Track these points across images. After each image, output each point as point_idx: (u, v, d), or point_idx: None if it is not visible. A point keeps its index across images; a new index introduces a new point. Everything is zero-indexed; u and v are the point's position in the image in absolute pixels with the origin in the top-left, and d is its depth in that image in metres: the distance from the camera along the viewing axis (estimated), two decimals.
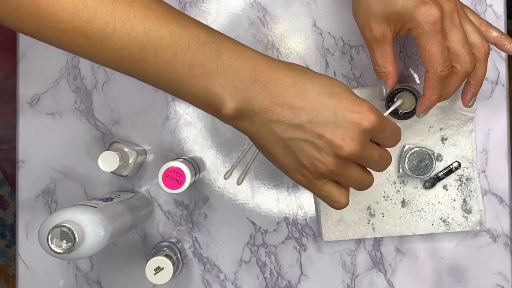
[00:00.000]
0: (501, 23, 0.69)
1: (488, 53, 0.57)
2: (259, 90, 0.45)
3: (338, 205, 0.50)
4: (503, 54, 0.70)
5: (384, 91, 0.59)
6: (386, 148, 0.52)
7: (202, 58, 0.44)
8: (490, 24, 0.60)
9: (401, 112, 0.63)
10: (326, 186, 0.49)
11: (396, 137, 0.51)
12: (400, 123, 0.67)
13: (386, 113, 0.59)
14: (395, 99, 0.61)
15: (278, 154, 0.48)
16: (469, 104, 0.61)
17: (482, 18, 0.61)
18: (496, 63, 0.70)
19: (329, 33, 0.69)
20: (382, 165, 0.51)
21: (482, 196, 0.69)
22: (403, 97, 0.61)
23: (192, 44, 0.43)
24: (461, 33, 0.55)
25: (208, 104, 0.46)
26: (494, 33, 0.60)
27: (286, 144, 0.47)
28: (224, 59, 0.44)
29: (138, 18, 0.42)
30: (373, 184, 0.67)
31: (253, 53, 0.46)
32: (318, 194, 0.50)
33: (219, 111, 0.46)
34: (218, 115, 0.46)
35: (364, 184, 0.52)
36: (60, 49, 0.44)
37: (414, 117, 0.65)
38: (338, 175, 0.48)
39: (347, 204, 0.51)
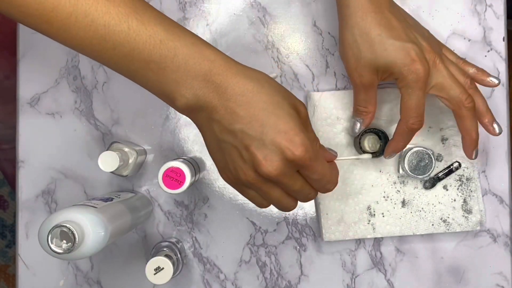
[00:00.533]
0: (501, 23, 0.69)
1: (473, 107, 0.59)
2: (210, 90, 0.46)
3: (261, 207, 0.52)
4: (503, 54, 0.70)
5: (357, 128, 0.63)
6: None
7: (158, 56, 0.45)
8: (467, 62, 0.63)
9: (369, 152, 0.65)
10: (249, 191, 0.51)
11: (325, 184, 0.51)
12: None
13: (341, 158, 0.59)
14: (361, 140, 0.66)
15: (212, 151, 0.50)
16: (473, 157, 0.62)
17: (459, 57, 0.64)
18: (496, 63, 0.70)
19: (329, 33, 0.69)
20: (301, 197, 0.51)
21: (482, 196, 0.69)
22: (371, 138, 0.66)
23: (149, 42, 0.45)
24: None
25: (162, 95, 0.48)
26: (471, 70, 0.63)
27: (220, 144, 0.48)
28: (179, 58, 0.46)
29: (99, 11, 0.44)
30: (373, 184, 0.68)
31: (212, 55, 0.47)
32: (243, 195, 0.52)
33: (172, 103, 0.48)
34: (172, 106, 0.49)
35: (284, 207, 0.52)
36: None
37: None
38: (257, 189, 0.50)
39: (268, 206, 0.52)
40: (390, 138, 0.65)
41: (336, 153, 0.55)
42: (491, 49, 0.70)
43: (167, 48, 0.45)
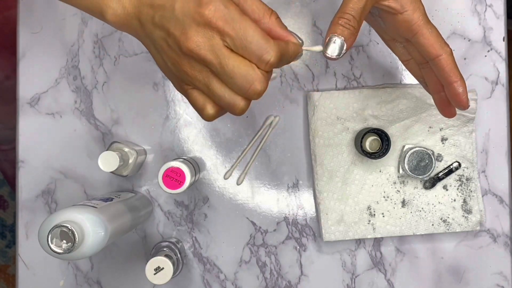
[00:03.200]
0: (501, 23, 0.69)
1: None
2: None
3: (203, 114, 0.45)
4: (503, 54, 0.70)
5: (337, 48, 0.48)
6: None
7: None
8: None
9: (369, 152, 0.65)
10: (192, 92, 0.45)
11: (260, 54, 0.42)
12: (400, 123, 0.67)
13: (310, 48, 0.48)
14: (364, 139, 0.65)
15: (154, 57, 0.46)
16: (467, 105, 0.54)
17: None
18: (496, 63, 0.70)
19: None
20: (239, 82, 0.42)
21: (482, 196, 0.69)
22: (373, 139, 0.65)
23: None
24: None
25: (94, 13, 0.46)
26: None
27: (155, 46, 0.44)
28: None
29: None
30: (373, 184, 0.68)
31: None
32: (189, 100, 0.46)
33: (104, 19, 0.46)
34: (104, 20, 0.46)
35: (222, 100, 0.44)
36: None
37: (413, 117, 0.66)
38: (193, 80, 0.43)
39: (213, 115, 0.45)
40: (391, 139, 0.65)
41: (301, 41, 0.46)
42: (491, 49, 0.70)
43: None
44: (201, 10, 0.41)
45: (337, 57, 0.47)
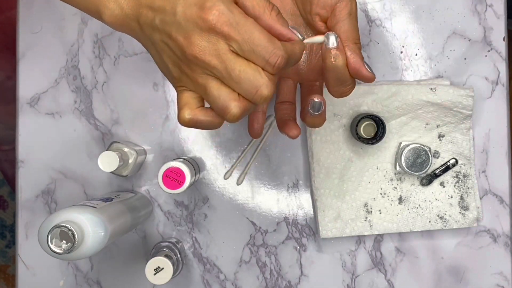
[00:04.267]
0: (501, 23, 0.69)
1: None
2: None
3: (179, 115, 0.45)
4: (503, 54, 0.70)
5: (336, 40, 0.47)
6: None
7: None
8: None
9: (364, 138, 0.65)
10: (183, 92, 0.45)
11: (265, 56, 0.41)
12: (397, 120, 0.67)
13: (308, 40, 0.47)
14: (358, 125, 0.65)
15: (154, 58, 0.45)
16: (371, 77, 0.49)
17: None
18: (496, 63, 0.70)
19: None
20: (245, 87, 0.42)
21: (482, 197, 0.69)
22: (369, 124, 0.65)
23: None
24: None
25: (92, 13, 0.46)
26: None
27: (156, 48, 0.44)
28: None
29: None
30: (370, 181, 0.68)
31: None
32: (177, 100, 0.46)
33: (101, 19, 0.46)
34: (101, 21, 0.46)
35: (220, 106, 0.42)
36: None
37: (410, 114, 0.66)
38: (196, 86, 0.43)
39: (189, 120, 0.44)
40: (387, 126, 0.65)
41: (302, 37, 0.45)
42: (491, 49, 0.70)
43: None
44: (205, 16, 0.40)
45: (337, 47, 0.47)
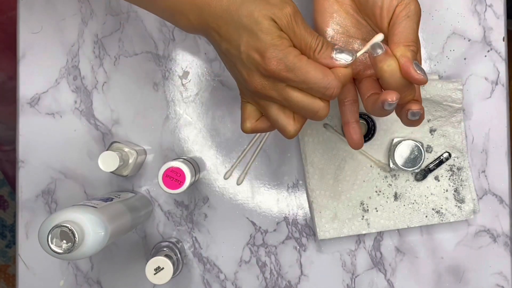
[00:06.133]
0: (501, 23, 0.69)
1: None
2: (197, 13, 0.48)
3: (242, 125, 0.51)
4: (503, 54, 0.70)
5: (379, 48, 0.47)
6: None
7: None
8: None
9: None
10: (246, 104, 0.51)
11: (321, 90, 0.46)
12: (387, 117, 0.67)
13: (360, 53, 0.49)
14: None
15: (228, 70, 0.51)
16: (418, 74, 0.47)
17: None
18: (496, 63, 0.70)
19: None
20: (306, 112, 0.48)
21: (482, 196, 0.69)
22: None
23: None
24: None
25: (171, 21, 0.51)
26: None
27: (224, 60, 0.51)
28: None
29: None
30: (365, 180, 0.68)
31: None
32: (241, 109, 0.52)
33: (177, 24, 0.51)
34: (178, 27, 0.52)
35: (279, 127, 0.50)
36: None
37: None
38: (261, 108, 0.50)
39: (250, 128, 0.51)
40: (377, 124, 0.66)
41: (351, 54, 0.48)
42: (491, 49, 0.70)
43: None
44: (265, 66, 0.46)
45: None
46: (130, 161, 0.64)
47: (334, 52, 0.48)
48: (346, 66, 0.48)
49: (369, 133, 0.65)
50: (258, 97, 0.49)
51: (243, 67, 0.47)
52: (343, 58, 0.48)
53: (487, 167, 0.70)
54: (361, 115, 0.65)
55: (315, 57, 0.48)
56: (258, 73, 0.47)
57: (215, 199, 0.69)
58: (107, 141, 0.69)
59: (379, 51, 0.47)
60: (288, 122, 0.49)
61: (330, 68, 0.47)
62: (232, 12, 0.46)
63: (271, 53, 0.45)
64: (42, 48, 0.69)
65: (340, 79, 0.47)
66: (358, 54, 0.49)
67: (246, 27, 0.46)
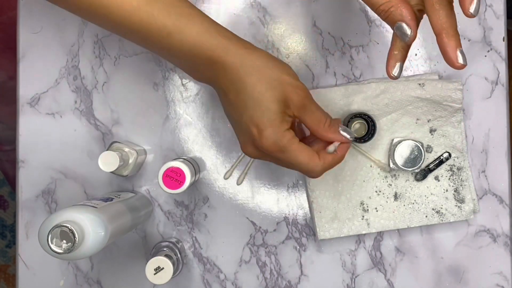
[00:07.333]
0: (501, 23, 0.70)
1: None
2: (212, 73, 0.53)
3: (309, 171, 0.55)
4: (503, 54, 0.70)
5: (408, 31, 0.46)
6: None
7: (168, 45, 0.52)
8: None
9: (357, 138, 0.66)
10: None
11: (305, 172, 0.54)
12: (387, 117, 0.67)
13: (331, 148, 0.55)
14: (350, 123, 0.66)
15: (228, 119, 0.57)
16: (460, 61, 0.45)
17: None
18: (496, 63, 0.70)
19: (329, 33, 0.69)
20: (301, 170, 0.54)
21: (482, 196, 0.69)
22: (359, 124, 0.66)
23: (159, 34, 0.51)
24: None
25: (183, 71, 0.57)
26: None
27: (228, 117, 0.56)
28: (185, 48, 0.52)
29: (113, 2, 0.50)
30: (365, 180, 0.68)
31: (213, 45, 0.51)
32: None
33: (191, 76, 0.57)
34: (193, 79, 0.58)
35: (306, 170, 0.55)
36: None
37: (400, 110, 0.67)
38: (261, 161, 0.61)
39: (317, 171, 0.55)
40: (378, 124, 0.67)
41: (350, 135, 0.55)
42: (491, 49, 0.70)
43: (175, 40, 0.51)
44: (260, 143, 0.51)
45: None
46: (130, 161, 0.64)
47: (340, 128, 0.55)
48: (347, 142, 0.55)
49: (369, 133, 0.65)
50: (262, 156, 0.55)
51: (240, 133, 0.54)
52: (347, 135, 0.55)
53: (487, 167, 0.70)
54: (361, 115, 0.65)
55: (325, 128, 0.54)
56: (252, 145, 0.53)
57: (215, 199, 0.69)
58: (107, 141, 0.69)
59: (408, 33, 0.46)
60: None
61: (334, 140, 0.54)
62: (247, 84, 0.51)
63: (269, 134, 0.51)
64: (42, 48, 0.69)
65: (324, 165, 0.54)
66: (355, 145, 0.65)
67: (255, 100, 0.51)
